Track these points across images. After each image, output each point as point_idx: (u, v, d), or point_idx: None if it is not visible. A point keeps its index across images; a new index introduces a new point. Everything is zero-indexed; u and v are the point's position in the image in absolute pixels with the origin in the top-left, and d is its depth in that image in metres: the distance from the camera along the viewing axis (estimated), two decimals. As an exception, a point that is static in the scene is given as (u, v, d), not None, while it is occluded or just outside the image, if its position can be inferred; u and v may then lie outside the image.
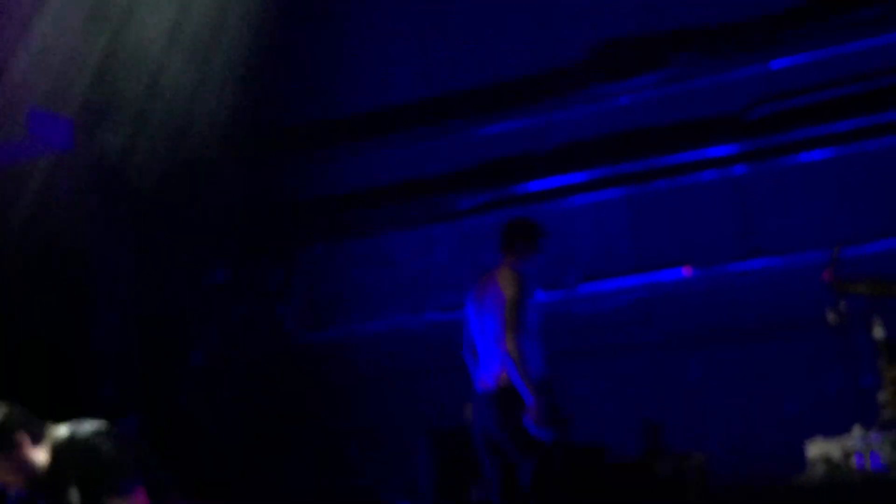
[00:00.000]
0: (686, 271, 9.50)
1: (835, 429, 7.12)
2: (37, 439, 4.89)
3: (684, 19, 9.51)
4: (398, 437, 9.81)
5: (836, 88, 9.09)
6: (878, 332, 7.08)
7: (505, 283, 6.33)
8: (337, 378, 10.70)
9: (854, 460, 6.90)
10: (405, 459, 9.09)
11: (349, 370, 10.69)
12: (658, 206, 9.72)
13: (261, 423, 10.52)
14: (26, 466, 4.84)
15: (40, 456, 4.87)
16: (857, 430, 6.96)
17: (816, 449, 7.14)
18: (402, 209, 10.66)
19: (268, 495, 9.88)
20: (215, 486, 9.47)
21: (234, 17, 10.05)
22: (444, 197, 10.48)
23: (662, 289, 9.60)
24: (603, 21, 9.79)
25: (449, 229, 10.51)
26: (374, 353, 10.63)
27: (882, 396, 7.04)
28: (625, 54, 9.67)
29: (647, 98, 9.69)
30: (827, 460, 7.06)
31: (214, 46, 9.99)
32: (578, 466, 8.08)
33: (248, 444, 10.41)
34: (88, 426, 4.92)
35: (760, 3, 9.20)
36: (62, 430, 4.94)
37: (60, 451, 4.86)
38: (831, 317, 7.14)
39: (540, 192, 10.10)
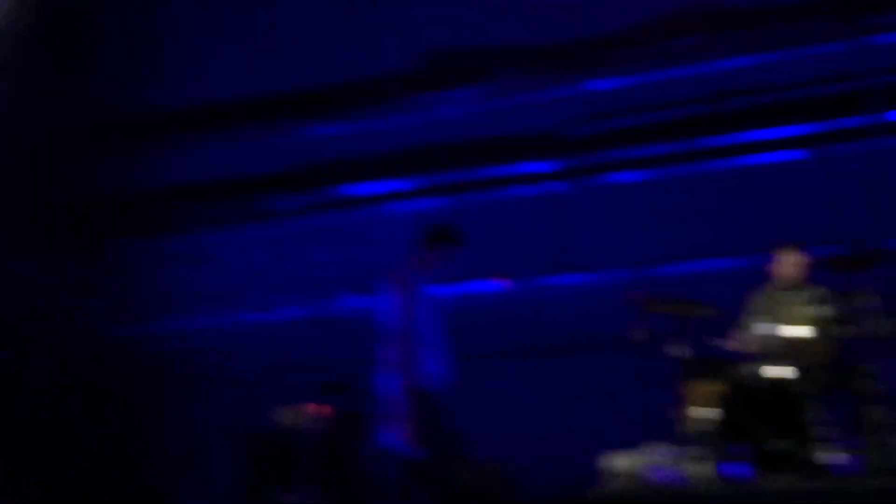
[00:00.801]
0: (500, 283, 9.64)
1: (634, 443, 7.33)
2: None
3: (509, 36, 9.66)
4: (206, 439, 9.65)
5: (651, 113, 9.38)
6: (678, 350, 7.32)
7: (396, 287, 6.14)
8: (146, 376, 10.47)
9: (650, 474, 7.12)
10: (213, 461, 8.96)
11: (159, 368, 10.47)
12: (476, 217, 9.83)
13: (65, 418, 10.21)
14: None
15: None
16: (653, 445, 7.18)
17: (615, 462, 7.34)
18: (221, 207, 10.51)
19: (63, 492, 9.58)
20: (12, 481, 9.15)
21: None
22: (265, 197, 10.38)
23: (475, 300, 9.71)
24: (430, 33, 9.86)
25: (269, 230, 10.41)
26: (185, 352, 10.44)
27: (678, 413, 7.28)
28: (450, 66, 9.77)
29: (470, 111, 9.82)
30: (625, 473, 7.26)
31: (29, 29, 9.65)
32: (382, 474, 8.11)
33: (50, 438, 10.08)
34: None
35: (583, 25, 9.43)
36: None
37: None
38: (636, 334, 7.34)
39: (361, 196, 10.11)
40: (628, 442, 7.37)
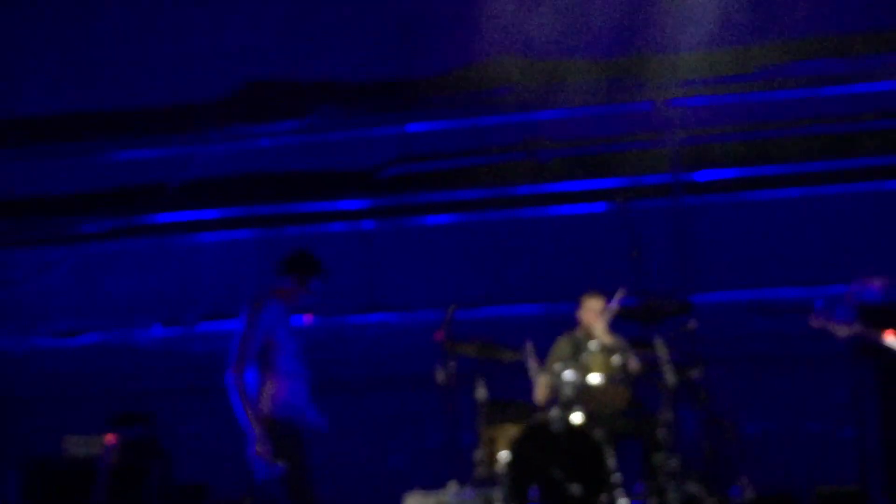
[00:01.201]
0: (307, 319, 9.61)
1: (434, 483, 7.40)
2: None
3: (329, 72, 9.71)
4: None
5: (464, 158, 9.57)
6: (481, 392, 7.45)
7: (249, 312, 6.01)
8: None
9: (447, 514, 7.21)
10: (2, 489, 8.60)
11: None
12: (286, 251, 9.78)
13: None
14: None
15: None
16: (452, 486, 7.27)
17: (414, 502, 7.40)
18: (19, 226, 10.15)
19: None
20: None
21: None
22: (67, 218, 10.08)
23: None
24: (249, 62, 9.81)
25: (69, 252, 10.11)
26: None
27: (478, 454, 7.40)
28: (268, 98, 9.74)
29: (286, 144, 9.80)
30: (422, 513, 7.33)
31: None
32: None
33: None
34: None
35: (403, 67, 9.55)
36: None
37: None
38: (440, 375, 7.43)
39: (169, 224, 9.94)
40: (430, 481, 7.43)
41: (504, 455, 7.18)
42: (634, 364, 7.63)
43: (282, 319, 6.02)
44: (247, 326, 5.90)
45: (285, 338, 6.00)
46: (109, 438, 8.26)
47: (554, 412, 7.28)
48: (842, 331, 5.87)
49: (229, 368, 5.86)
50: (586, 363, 7.50)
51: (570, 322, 7.95)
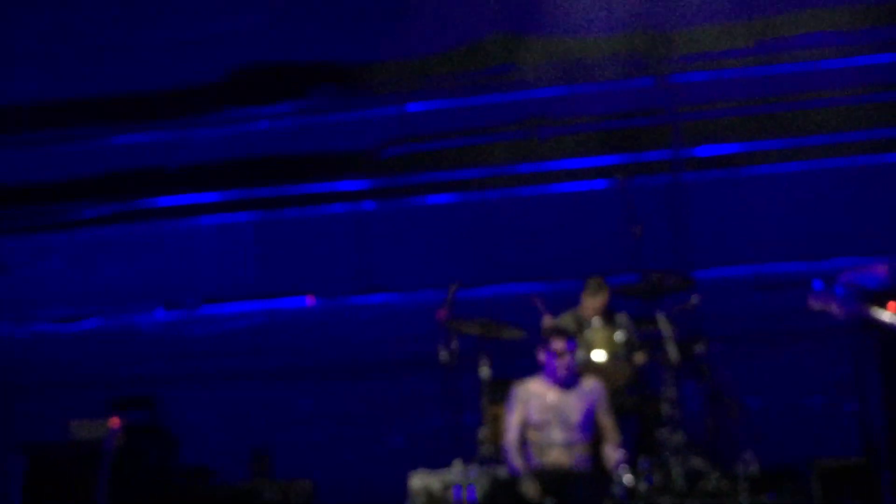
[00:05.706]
0: (308, 301, 9.61)
1: (437, 462, 7.40)
2: None
3: (326, 53, 9.67)
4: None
5: (464, 137, 9.54)
6: (484, 371, 7.44)
7: None
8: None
9: (452, 493, 7.19)
10: (4, 475, 8.60)
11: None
12: (286, 234, 9.78)
13: None
14: None
15: None
16: (457, 465, 7.26)
17: (418, 481, 7.39)
18: (16, 213, 10.13)
19: None
20: None
21: None
22: (64, 204, 10.06)
23: (282, 316, 9.65)
24: (244, 45, 9.77)
25: (67, 239, 10.09)
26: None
27: (482, 433, 7.39)
28: (265, 80, 9.71)
29: (283, 126, 9.77)
30: (427, 492, 7.31)
31: None
32: (184, 487, 7.99)
33: None
34: None
35: (401, 45, 9.52)
36: None
37: None
38: (443, 355, 7.42)
39: (167, 208, 9.92)
40: (431, 461, 7.43)
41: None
42: (635, 341, 7.61)
43: None
44: None
45: None
46: (114, 422, 8.25)
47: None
48: (841, 313, 5.81)
49: None
50: (589, 340, 7.50)
51: (571, 300, 7.93)
